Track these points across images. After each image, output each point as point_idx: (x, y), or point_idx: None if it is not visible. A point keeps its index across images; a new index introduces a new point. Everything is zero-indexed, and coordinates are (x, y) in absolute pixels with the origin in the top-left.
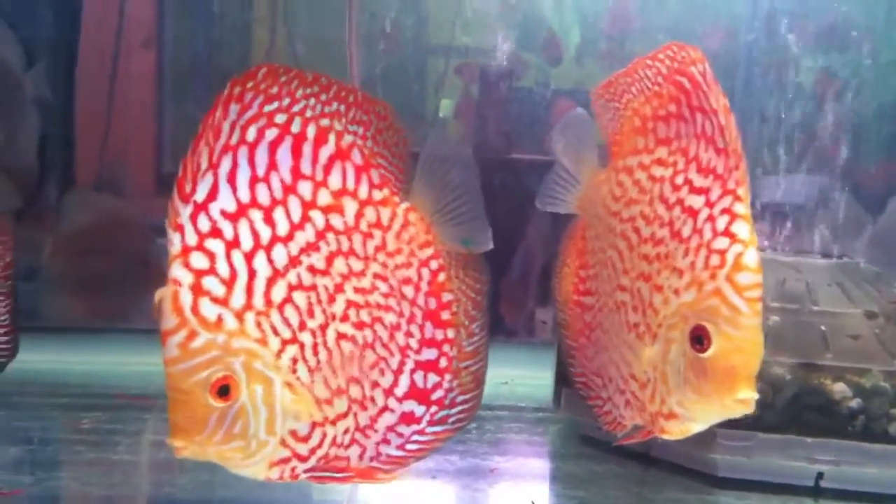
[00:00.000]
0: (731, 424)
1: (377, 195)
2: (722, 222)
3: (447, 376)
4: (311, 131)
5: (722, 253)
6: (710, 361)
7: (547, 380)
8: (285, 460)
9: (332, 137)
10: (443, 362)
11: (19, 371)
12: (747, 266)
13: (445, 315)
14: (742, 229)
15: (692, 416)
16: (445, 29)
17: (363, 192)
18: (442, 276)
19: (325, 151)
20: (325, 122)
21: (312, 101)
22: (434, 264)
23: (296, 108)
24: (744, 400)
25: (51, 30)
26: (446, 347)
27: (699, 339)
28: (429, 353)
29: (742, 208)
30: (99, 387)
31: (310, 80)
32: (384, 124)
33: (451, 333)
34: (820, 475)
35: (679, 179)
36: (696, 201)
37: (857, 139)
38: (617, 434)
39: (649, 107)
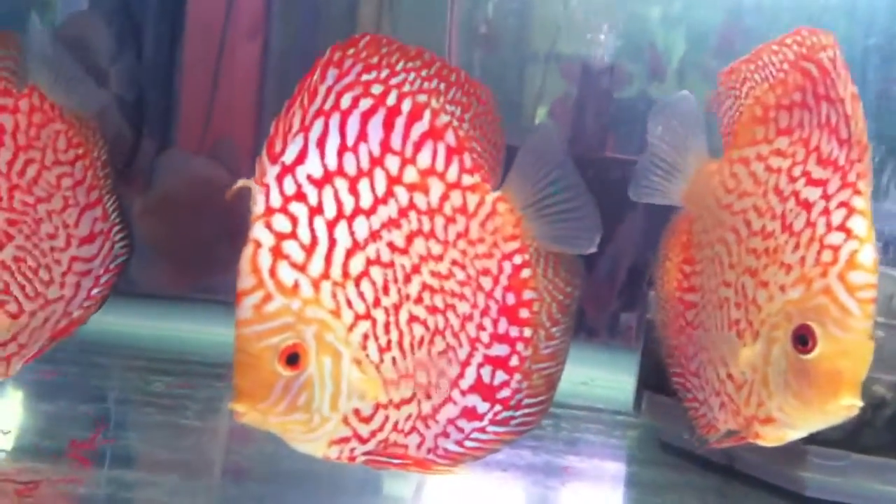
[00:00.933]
0: (825, 442)
1: (467, 179)
2: (838, 216)
3: (517, 376)
4: (406, 106)
5: (835, 249)
6: (814, 364)
7: (627, 384)
8: (345, 439)
9: (427, 114)
10: (514, 360)
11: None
12: (862, 265)
13: (524, 313)
14: (859, 225)
15: (791, 422)
16: (547, 35)
17: (452, 174)
18: (526, 273)
19: (419, 128)
20: (422, 97)
21: (412, 75)
22: (518, 259)
23: (394, 81)
24: (847, 407)
25: (158, 15)
26: (520, 346)
27: (803, 339)
28: (500, 349)
29: (861, 203)
30: (175, 353)
31: (412, 54)
32: (483, 108)
33: (527, 332)
34: None
35: (797, 171)
36: (813, 193)
37: None
38: (703, 440)
39: (772, 95)
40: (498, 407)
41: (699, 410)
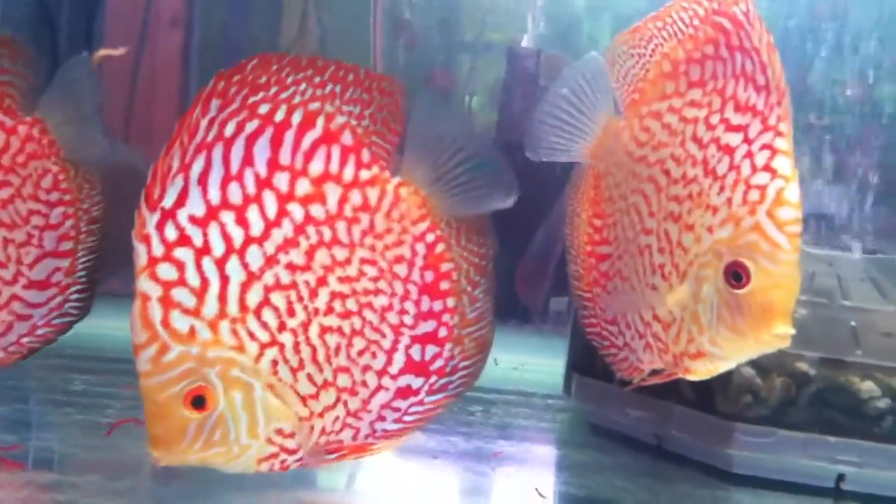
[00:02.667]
0: (751, 420)
1: (365, 175)
2: (762, 157)
3: (448, 345)
4: (296, 118)
5: (762, 188)
6: (748, 297)
7: (559, 368)
8: (273, 455)
9: (320, 121)
10: (442, 332)
11: None
12: (789, 201)
13: (445, 285)
14: (784, 164)
15: (724, 355)
16: (474, 24)
17: (349, 174)
18: (440, 248)
19: (310, 136)
20: (315, 105)
21: (304, 85)
22: (430, 237)
23: (283, 96)
24: (781, 335)
25: (78, 5)
26: (446, 317)
27: (736, 275)
28: (426, 326)
29: (784, 144)
30: (94, 350)
31: (304, 64)
32: (387, 100)
33: (450, 302)
34: (841, 477)
35: (714, 119)
36: (734, 139)
37: None
38: (627, 382)
39: (682, 50)
40: (433, 378)
41: (619, 355)
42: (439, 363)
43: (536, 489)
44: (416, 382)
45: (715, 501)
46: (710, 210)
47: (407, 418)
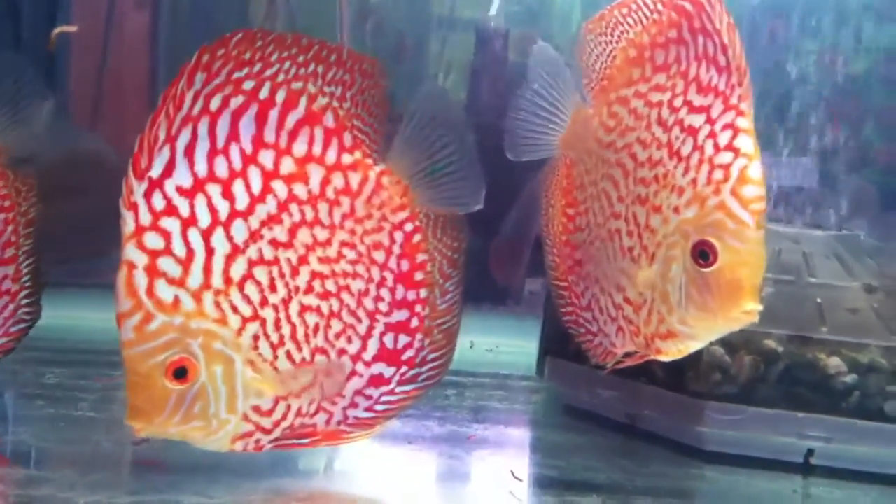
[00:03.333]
0: (721, 398)
1: (347, 159)
2: (725, 137)
3: (418, 336)
4: (280, 96)
5: (726, 167)
6: (715, 275)
7: (533, 349)
8: (249, 434)
9: (303, 101)
10: (414, 322)
11: None
12: (752, 179)
13: (419, 276)
14: (746, 143)
15: (693, 334)
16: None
17: (331, 157)
18: (417, 238)
19: (293, 116)
20: (297, 84)
21: (288, 63)
22: (409, 226)
23: (268, 73)
24: (749, 311)
25: None
26: (418, 308)
27: (703, 253)
28: (399, 315)
29: (745, 122)
30: (65, 342)
31: (289, 42)
32: (369, 83)
33: (423, 293)
34: (810, 452)
35: (678, 102)
36: (697, 120)
37: None
38: (602, 366)
39: (646, 35)
40: (404, 368)
41: (594, 341)
42: (410, 353)
43: (512, 472)
44: (387, 371)
45: (688, 479)
46: (676, 191)
47: (378, 407)
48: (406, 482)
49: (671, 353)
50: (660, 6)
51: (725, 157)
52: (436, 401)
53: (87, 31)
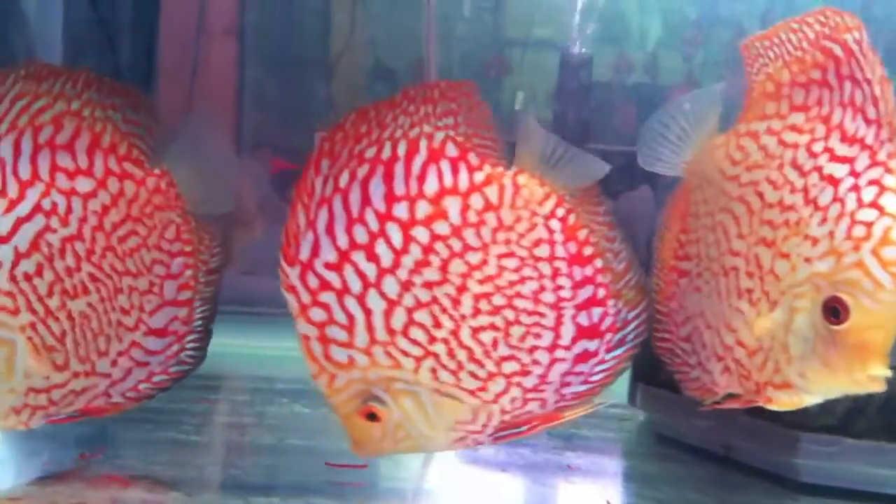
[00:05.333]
0: (817, 429)
1: (479, 177)
2: (869, 193)
3: (610, 303)
4: (401, 149)
5: (868, 225)
6: (844, 334)
7: (623, 376)
8: (462, 439)
9: (422, 143)
10: (601, 293)
11: None
12: (895, 241)
13: (588, 250)
14: (892, 203)
15: (811, 389)
16: (522, 21)
17: (463, 182)
18: (572, 218)
19: (418, 161)
20: (414, 132)
21: (401, 118)
22: (560, 211)
23: (385, 135)
24: (875, 377)
25: (131, 15)
26: (600, 278)
27: (835, 310)
28: (585, 293)
29: (893, 181)
30: None
31: (397, 100)
32: (470, 102)
33: (599, 263)
34: None
35: (817, 147)
36: (839, 170)
37: None
38: (699, 402)
39: (787, 72)
40: (608, 336)
41: (690, 374)
42: (609, 321)
43: (608, 501)
44: (591, 345)
45: None
46: (810, 241)
47: (594, 378)
48: None
49: (784, 403)
50: (804, 44)
51: (869, 214)
52: None
53: (176, 58)
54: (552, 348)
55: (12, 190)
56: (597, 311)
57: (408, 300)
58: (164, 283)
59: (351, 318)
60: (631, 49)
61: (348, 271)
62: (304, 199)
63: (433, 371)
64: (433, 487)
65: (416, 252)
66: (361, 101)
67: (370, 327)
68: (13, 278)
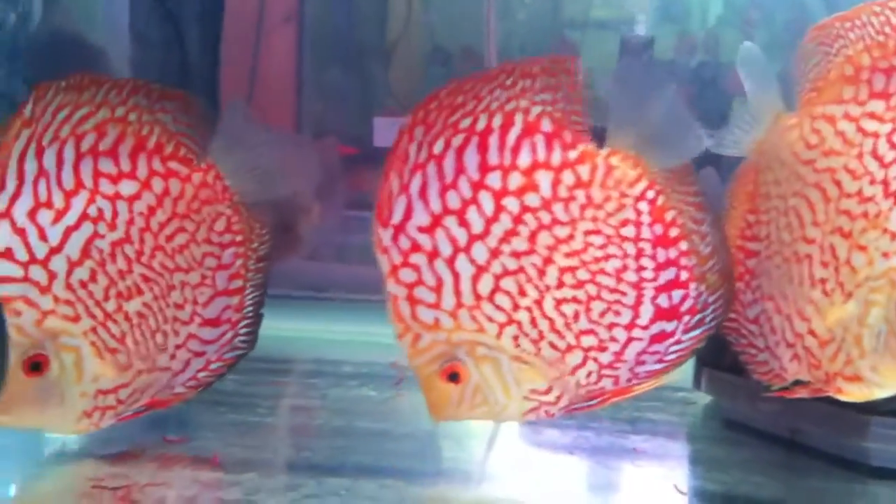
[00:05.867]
0: (886, 412)
1: (572, 155)
2: None
3: (692, 285)
4: (496, 121)
5: None
6: None
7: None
8: (535, 409)
9: (518, 117)
10: (683, 275)
11: None
12: None
13: (674, 232)
14: None
15: (883, 383)
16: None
17: (556, 158)
18: (661, 200)
19: (513, 134)
20: (510, 105)
21: (497, 91)
22: (650, 193)
23: (480, 107)
24: None
25: (198, 5)
26: (683, 261)
27: None
28: (667, 275)
29: None
30: None
31: (493, 74)
32: (570, 80)
33: (684, 246)
34: None
35: None
36: None
37: None
38: (765, 387)
39: (868, 56)
40: (686, 318)
41: (757, 357)
42: (688, 304)
43: (675, 486)
44: (669, 326)
45: (852, 495)
46: (889, 235)
47: (668, 357)
48: (567, 492)
49: (854, 395)
50: (887, 28)
51: None
52: (594, 411)
53: (238, 45)
54: (630, 327)
55: (58, 200)
56: (677, 294)
57: (495, 267)
58: (216, 275)
59: (439, 280)
60: (692, 28)
61: (440, 235)
62: (397, 164)
63: (515, 338)
64: (500, 470)
65: (506, 221)
66: (419, 86)
67: (457, 291)
68: (69, 286)
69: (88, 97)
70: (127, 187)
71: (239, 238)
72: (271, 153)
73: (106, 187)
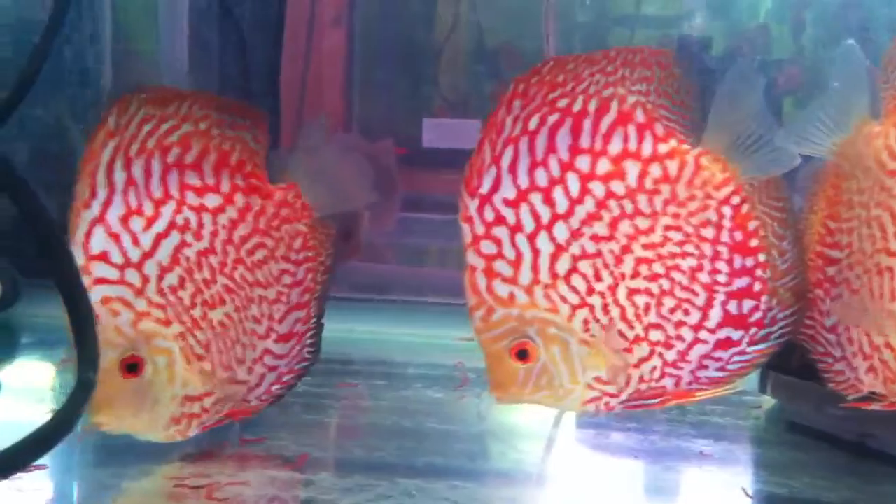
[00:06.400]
0: None
1: (662, 148)
2: None
3: (764, 298)
4: (592, 105)
5: None
6: None
7: None
8: (596, 399)
9: (613, 104)
10: (757, 286)
11: None
12: None
13: (754, 242)
14: None
15: None
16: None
17: (646, 149)
18: (746, 208)
19: (606, 120)
20: (608, 91)
21: (598, 76)
22: (735, 199)
23: (579, 88)
24: None
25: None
26: (759, 272)
27: None
28: (741, 282)
29: None
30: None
31: (597, 57)
32: (665, 73)
33: (762, 258)
34: None
35: None
36: None
37: None
38: (840, 397)
39: None
40: (753, 330)
41: (834, 366)
42: (757, 315)
43: (743, 489)
44: (735, 334)
45: None
46: None
47: (730, 367)
48: (633, 496)
49: None
50: None
51: None
52: (657, 414)
53: (289, 49)
54: (697, 328)
55: (148, 209)
56: (748, 303)
57: (575, 248)
58: (290, 292)
59: (519, 255)
60: (740, 25)
61: (524, 210)
62: (492, 135)
63: (585, 322)
64: (565, 472)
65: (589, 204)
66: (468, 87)
67: (535, 267)
68: (161, 291)
69: (172, 110)
70: (211, 200)
71: (312, 254)
72: (348, 169)
73: (192, 199)
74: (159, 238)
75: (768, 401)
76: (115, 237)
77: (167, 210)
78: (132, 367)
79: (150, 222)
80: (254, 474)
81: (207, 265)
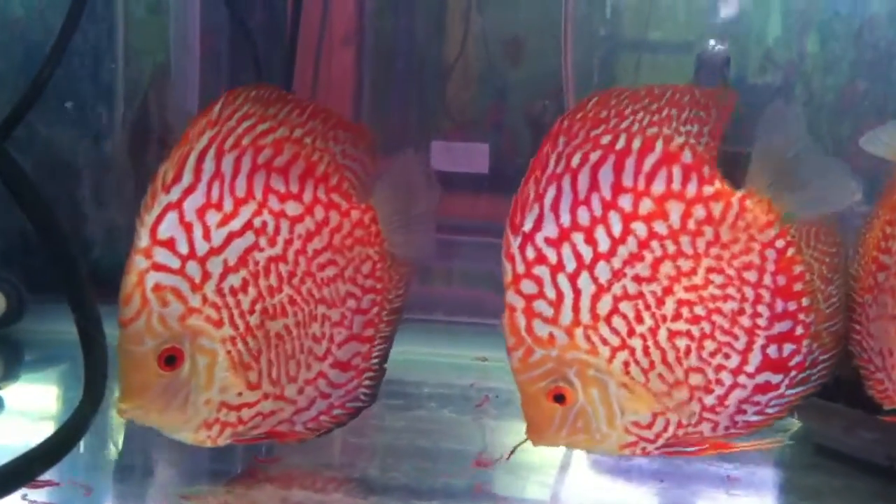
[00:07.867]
0: None
1: (707, 190)
2: None
3: (805, 342)
4: (635, 144)
5: None
6: None
7: None
8: (633, 444)
9: (658, 144)
10: (799, 330)
11: None
12: None
13: (798, 286)
14: None
15: None
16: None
17: (691, 191)
18: (791, 251)
19: (650, 160)
20: (653, 130)
21: (641, 114)
22: (780, 243)
23: (623, 125)
24: None
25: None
26: (801, 316)
27: None
28: (781, 326)
29: None
30: None
31: (642, 94)
32: (719, 115)
33: (805, 302)
34: None
35: None
36: None
37: None
38: (877, 406)
39: None
40: (793, 373)
41: (875, 375)
42: (798, 359)
43: None
44: (775, 378)
45: None
46: None
47: (769, 410)
48: None
49: None
50: None
51: None
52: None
53: (299, 67)
54: (736, 372)
55: (228, 205)
56: (788, 347)
57: (616, 289)
58: (353, 318)
59: (560, 295)
60: (770, 47)
61: (566, 249)
62: (537, 172)
63: (626, 364)
64: (590, 497)
65: (632, 244)
66: (475, 109)
67: (576, 308)
68: (220, 291)
69: (273, 112)
70: (291, 208)
71: (379, 286)
72: (429, 214)
73: (273, 203)
74: (232, 236)
75: (795, 423)
76: (188, 227)
77: (246, 210)
78: (170, 359)
79: (227, 219)
80: (266, 494)
81: (276, 273)
